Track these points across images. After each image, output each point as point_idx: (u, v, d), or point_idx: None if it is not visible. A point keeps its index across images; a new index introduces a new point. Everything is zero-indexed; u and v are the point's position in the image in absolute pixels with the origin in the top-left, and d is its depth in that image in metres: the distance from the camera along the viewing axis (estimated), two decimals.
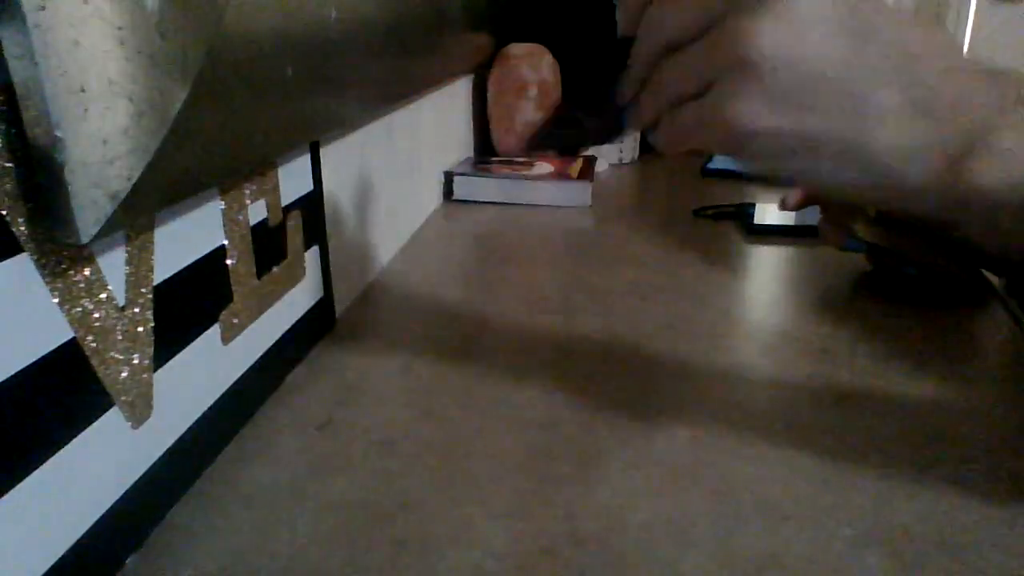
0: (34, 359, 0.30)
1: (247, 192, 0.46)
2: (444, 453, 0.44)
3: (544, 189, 0.96)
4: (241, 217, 0.46)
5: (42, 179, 0.28)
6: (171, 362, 0.39)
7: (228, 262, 0.44)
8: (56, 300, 0.31)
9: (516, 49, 1.11)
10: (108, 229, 0.30)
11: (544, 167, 1.02)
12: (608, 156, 1.16)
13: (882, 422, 0.46)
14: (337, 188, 0.62)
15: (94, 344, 0.33)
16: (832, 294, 0.61)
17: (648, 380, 0.52)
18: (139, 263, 0.36)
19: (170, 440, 0.39)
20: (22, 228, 0.29)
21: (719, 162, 1.14)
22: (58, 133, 0.27)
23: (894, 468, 0.42)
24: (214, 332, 0.43)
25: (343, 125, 0.63)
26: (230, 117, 0.39)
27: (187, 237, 0.40)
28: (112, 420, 0.34)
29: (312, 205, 0.56)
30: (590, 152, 1.13)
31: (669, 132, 0.37)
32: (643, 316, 0.62)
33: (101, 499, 0.34)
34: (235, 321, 0.45)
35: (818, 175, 0.35)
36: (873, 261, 0.69)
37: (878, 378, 0.51)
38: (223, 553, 0.36)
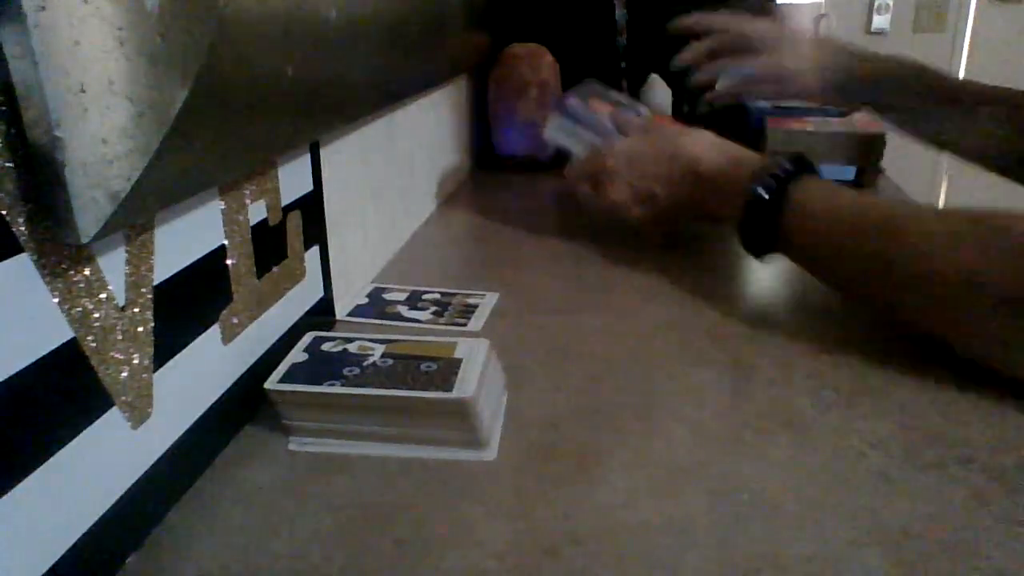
0: (34, 359, 0.30)
1: (247, 192, 0.46)
2: None
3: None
4: (241, 217, 0.46)
5: (42, 179, 0.28)
6: (171, 362, 0.39)
7: (228, 262, 0.44)
8: (56, 300, 0.31)
9: (516, 49, 1.11)
10: (108, 229, 0.30)
11: None
12: None
13: (882, 422, 0.46)
14: (337, 188, 0.62)
15: (94, 344, 0.33)
16: (831, 294, 0.61)
17: (648, 380, 0.52)
18: (139, 263, 0.36)
19: (170, 440, 0.39)
20: (22, 228, 0.29)
21: None
22: (58, 133, 0.27)
23: (894, 468, 0.42)
24: (214, 332, 0.43)
25: (343, 125, 0.63)
26: (230, 117, 0.39)
27: (187, 237, 0.40)
28: (112, 420, 0.34)
29: (312, 205, 0.56)
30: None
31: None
32: (643, 315, 0.62)
33: (101, 499, 0.34)
34: (235, 321, 0.45)
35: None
36: None
37: (878, 378, 0.51)
38: (223, 553, 0.36)
